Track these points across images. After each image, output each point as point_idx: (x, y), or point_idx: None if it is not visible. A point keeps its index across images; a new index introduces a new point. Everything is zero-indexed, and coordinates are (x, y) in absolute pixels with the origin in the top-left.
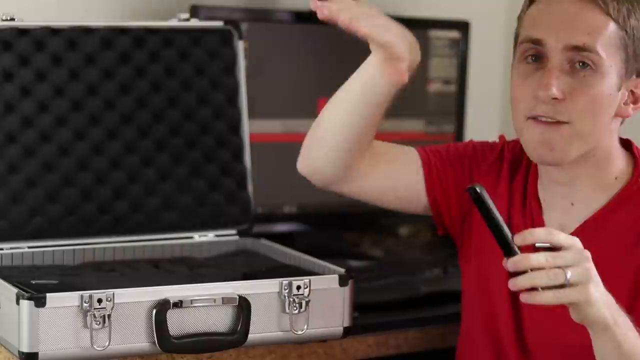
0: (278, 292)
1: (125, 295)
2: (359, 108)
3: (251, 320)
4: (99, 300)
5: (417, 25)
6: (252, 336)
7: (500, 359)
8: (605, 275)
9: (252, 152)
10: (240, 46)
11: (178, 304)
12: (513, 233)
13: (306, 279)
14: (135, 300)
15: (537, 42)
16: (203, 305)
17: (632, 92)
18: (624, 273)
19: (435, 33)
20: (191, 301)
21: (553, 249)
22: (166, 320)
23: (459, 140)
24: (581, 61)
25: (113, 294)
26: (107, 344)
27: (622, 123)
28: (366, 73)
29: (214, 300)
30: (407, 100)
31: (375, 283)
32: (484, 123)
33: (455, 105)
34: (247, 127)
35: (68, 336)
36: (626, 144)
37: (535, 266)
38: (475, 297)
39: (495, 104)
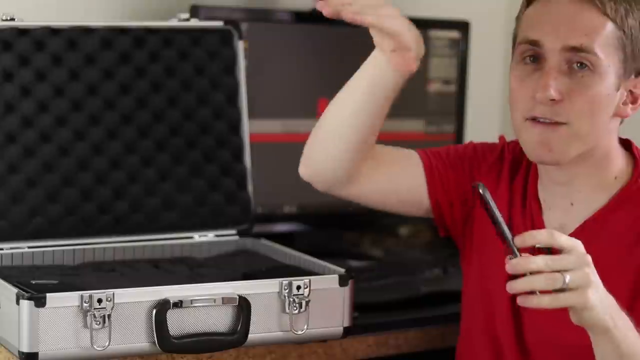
0: (278, 292)
1: (125, 295)
2: (365, 108)
3: (251, 320)
4: (99, 300)
5: (417, 25)
6: (252, 336)
7: (499, 359)
8: (605, 275)
9: (252, 152)
10: (240, 46)
11: (178, 304)
12: (514, 234)
13: (306, 279)
14: (135, 300)
15: (534, 43)
16: (203, 305)
17: (630, 91)
18: (624, 273)
19: (435, 33)
20: (191, 301)
21: (554, 250)
22: (166, 320)
23: (459, 140)
24: (579, 62)
25: (113, 294)
26: (107, 344)
27: (621, 123)
28: (371, 68)
29: (214, 300)
30: (407, 100)
31: (375, 283)
32: (484, 123)
33: (455, 105)
34: (247, 127)
35: (68, 336)
36: (626, 143)
37: (534, 269)
38: (475, 297)
39: (495, 104)
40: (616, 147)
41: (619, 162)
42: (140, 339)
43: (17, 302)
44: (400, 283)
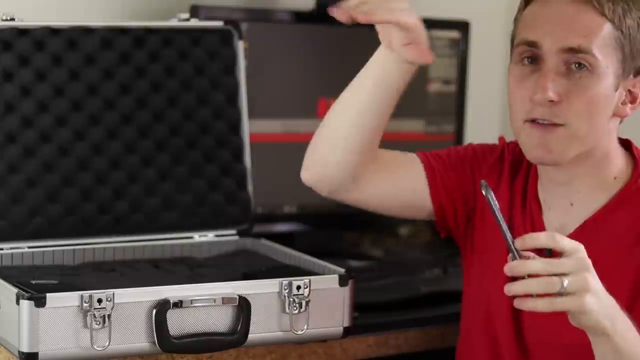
0: (278, 292)
1: (125, 295)
2: (370, 108)
3: (251, 320)
4: (99, 300)
5: None
6: (252, 336)
7: (499, 359)
8: (605, 276)
9: (252, 152)
10: (240, 46)
11: (178, 304)
12: (514, 235)
13: (306, 279)
14: (135, 300)
15: (532, 44)
16: (203, 305)
17: (629, 91)
18: (623, 273)
19: (435, 33)
20: (191, 301)
21: (554, 252)
22: (166, 320)
23: (459, 140)
24: (577, 63)
25: (113, 294)
26: (107, 344)
27: (620, 122)
28: (376, 68)
29: (214, 300)
30: (407, 100)
31: (375, 283)
32: (484, 123)
33: (455, 105)
34: (247, 127)
35: (68, 336)
36: (626, 144)
37: (532, 272)
38: (476, 297)
39: (495, 104)
40: (616, 147)
41: (619, 162)
42: (140, 339)
43: (17, 302)
44: (400, 283)
